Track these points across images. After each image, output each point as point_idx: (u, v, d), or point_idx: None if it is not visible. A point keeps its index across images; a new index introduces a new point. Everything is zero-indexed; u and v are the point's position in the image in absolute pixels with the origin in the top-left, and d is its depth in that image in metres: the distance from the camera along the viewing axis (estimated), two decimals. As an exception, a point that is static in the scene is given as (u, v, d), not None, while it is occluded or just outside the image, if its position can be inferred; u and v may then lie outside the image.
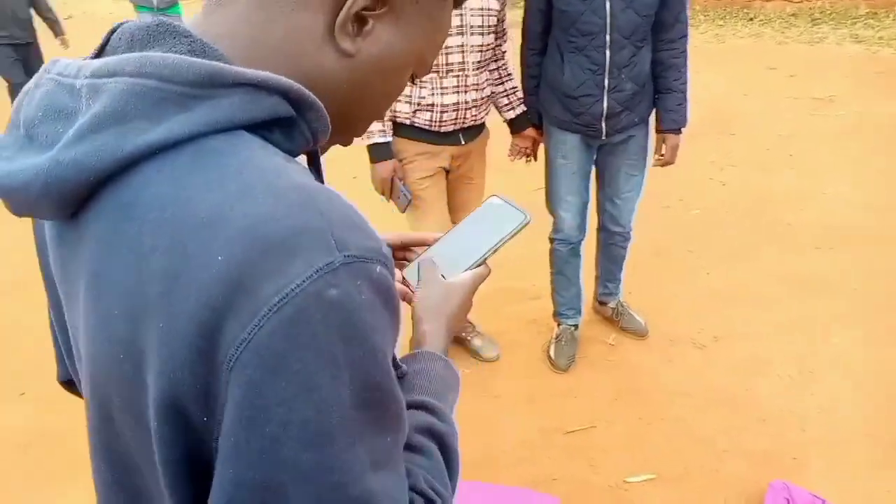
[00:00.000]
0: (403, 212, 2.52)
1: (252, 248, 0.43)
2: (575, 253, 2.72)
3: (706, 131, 4.92)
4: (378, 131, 2.36)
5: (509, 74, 2.56)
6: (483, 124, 2.53)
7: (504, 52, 2.53)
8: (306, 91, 0.51)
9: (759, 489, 2.08)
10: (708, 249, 3.46)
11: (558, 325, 2.82)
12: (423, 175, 2.45)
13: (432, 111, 2.35)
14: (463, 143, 2.46)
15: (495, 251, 0.83)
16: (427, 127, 2.38)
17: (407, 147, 2.42)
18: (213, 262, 0.43)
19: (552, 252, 2.74)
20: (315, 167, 0.65)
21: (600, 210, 2.76)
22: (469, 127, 2.44)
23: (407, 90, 2.33)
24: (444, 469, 0.65)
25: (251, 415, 0.43)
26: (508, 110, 2.59)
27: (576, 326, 2.82)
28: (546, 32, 2.43)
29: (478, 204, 2.25)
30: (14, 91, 5.47)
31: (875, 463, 2.19)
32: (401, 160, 2.44)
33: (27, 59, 5.30)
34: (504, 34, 2.50)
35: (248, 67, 0.50)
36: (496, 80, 2.53)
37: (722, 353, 2.74)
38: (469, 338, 2.85)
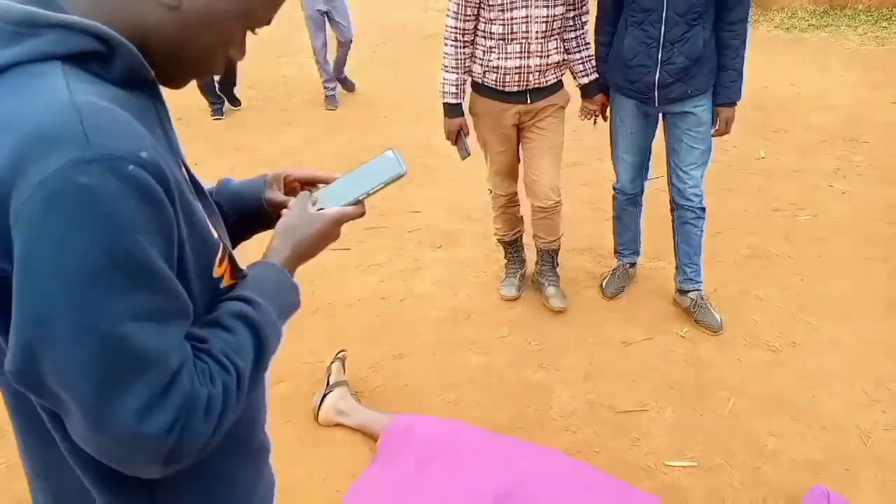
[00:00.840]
0: (463, 159, 2.93)
1: (25, 144, 0.61)
2: (632, 202, 3.03)
3: (837, 138, 4.65)
4: (451, 93, 2.74)
5: (587, 44, 2.79)
6: (555, 86, 2.79)
7: (584, 22, 2.76)
8: (111, 32, 0.68)
9: (799, 492, 2.07)
10: (809, 257, 3.33)
11: (617, 261, 3.18)
12: (494, 129, 2.83)
13: (497, 73, 2.68)
14: (529, 101, 2.75)
15: (369, 195, 0.98)
16: (494, 86, 2.73)
17: (478, 102, 2.82)
18: (4, 152, 0.61)
19: (614, 199, 3.07)
20: (158, 100, 0.78)
21: (670, 186, 2.87)
22: (535, 88, 2.72)
23: (480, 53, 2.69)
24: (251, 350, 0.78)
25: (25, 266, 0.61)
26: (582, 76, 2.84)
27: (632, 265, 3.18)
28: (617, 7, 2.65)
29: (549, 159, 2.43)
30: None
31: (934, 489, 2.11)
32: (474, 115, 2.84)
33: None
34: (583, 6, 2.71)
35: (83, 16, 0.68)
36: (574, 48, 2.77)
37: (796, 360, 2.67)
38: (545, 284, 3.11)
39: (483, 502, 1.87)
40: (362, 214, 0.99)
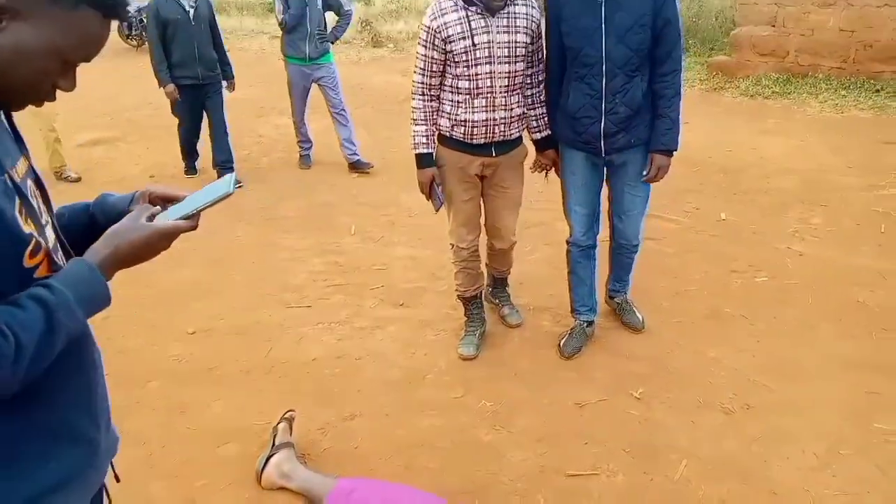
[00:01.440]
0: (437, 211, 3.02)
1: None
2: (586, 256, 3.12)
3: (796, 200, 4.75)
4: (422, 143, 2.88)
5: (542, 101, 2.96)
6: (516, 140, 2.95)
7: (540, 81, 2.94)
8: None
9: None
10: (764, 318, 3.36)
11: (574, 320, 3.21)
12: (459, 180, 2.96)
13: (465, 126, 2.83)
14: (494, 154, 2.92)
15: (199, 211, 1.09)
16: (461, 139, 2.87)
17: (446, 154, 2.94)
18: None
19: (567, 253, 3.16)
20: (7, 118, 1.02)
21: (611, 225, 3.14)
22: (500, 141, 2.89)
23: (448, 108, 2.84)
24: (40, 326, 0.91)
25: None
26: (536, 132, 3.02)
27: (588, 323, 3.20)
28: (562, 66, 2.82)
29: (510, 211, 2.54)
30: (181, 133, 5.57)
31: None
32: (440, 166, 2.94)
33: (203, 100, 5.35)
34: (539, 64, 2.88)
35: None
36: (529, 104, 2.96)
37: (749, 422, 2.66)
38: (500, 305, 3.42)
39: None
40: (193, 228, 1.10)
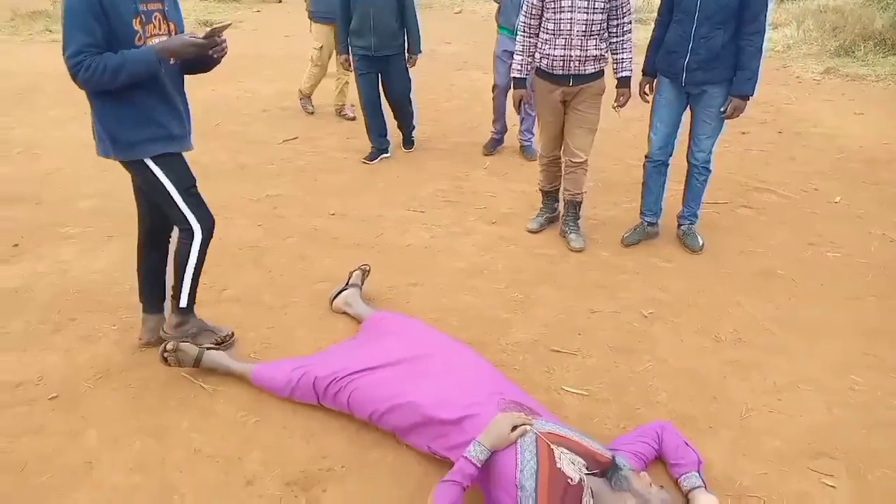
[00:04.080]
0: (520, 122, 4.38)
1: None
2: (659, 171, 3.88)
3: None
4: (518, 70, 3.76)
5: (625, 49, 3.65)
6: (591, 75, 3.66)
7: (626, 31, 3.62)
8: None
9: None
10: (812, 283, 3.53)
11: (640, 219, 4.03)
12: (545, 102, 3.80)
13: (548, 59, 3.65)
14: (570, 84, 3.67)
15: (213, 31, 2.24)
16: (546, 69, 3.68)
17: (536, 81, 3.82)
18: None
19: (644, 167, 3.93)
20: None
21: (688, 150, 3.80)
22: (576, 74, 3.62)
23: (539, 44, 3.66)
24: (116, 62, 2.26)
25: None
26: (618, 72, 3.72)
27: (650, 224, 4.02)
28: (669, 11, 3.57)
29: (582, 131, 3.80)
30: (364, 106, 5.26)
31: None
32: (533, 90, 3.89)
33: (386, 73, 5.13)
34: (625, 17, 3.56)
35: None
36: (613, 50, 3.67)
37: (732, 350, 3.00)
38: (567, 231, 4.02)
39: (384, 359, 2.59)
40: (208, 46, 2.39)
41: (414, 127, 5.69)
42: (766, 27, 3.45)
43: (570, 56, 3.58)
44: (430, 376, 2.47)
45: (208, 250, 2.75)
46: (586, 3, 3.46)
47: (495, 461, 2.10)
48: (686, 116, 3.75)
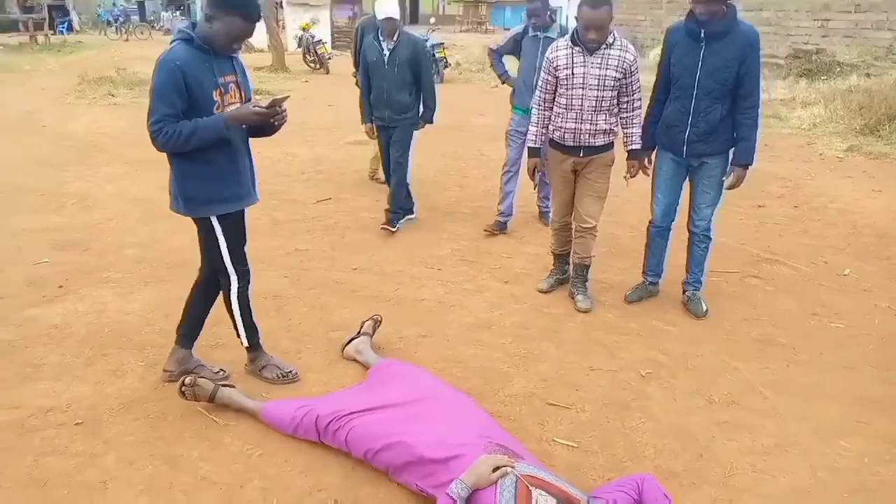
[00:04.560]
0: (535, 188, 4.68)
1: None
2: (661, 235, 4.12)
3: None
4: (532, 140, 4.07)
5: (635, 123, 3.91)
6: (602, 147, 3.92)
7: (635, 107, 3.89)
8: (191, 33, 2.70)
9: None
10: (811, 352, 3.61)
11: (643, 278, 4.27)
12: (556, 171, 4.08)
13: (560, 131, 3.92)
14: (581, 155, 3.94)
15: (273, 103, 2.60)
16: (558, 141, 3.96)
17: (549, 151, 4.09)
18: None
19: (648, 231, 4.19)
20: (229, 58, 2.86)
21: (688, 219, 4.01)
22: (587, 146, 3.90)
23: (553, 117, 3.94)
24: (190, 129, 2.66)
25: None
26: (628, 145, 3.99)
27: (652, 283, 4.27)
28: (666, 89, 3.81)
29: (591, 199, 4.06)
30: (384, 170, 5.59)
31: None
32: (546, 159, 4.15)
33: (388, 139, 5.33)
34: (634, 94, 3.80)
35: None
36: (624, 125, 3.94)
37: (723, 412, 3.09)
38: (575, 293, 4.20)
39: (383, 401, 2.76)
40: (272, 115, 2.74)
41: (403, 210, 5.51)
42: (761, 100, 3.68)
43: (581, 129, 3.84)
44: (424, 419, 2.63)
45: (247, 297, 3.15)
46: (597, 80, 3.73)
47: (476, 499, 2.23)
48: (686, 186, 3.95)
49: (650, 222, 4.13)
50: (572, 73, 3.75)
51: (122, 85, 12.75)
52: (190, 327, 3.23)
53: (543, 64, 3.91)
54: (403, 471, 2.51)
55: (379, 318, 3.66)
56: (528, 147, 4.11)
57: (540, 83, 3.95)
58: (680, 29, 3.70)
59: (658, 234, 4.12)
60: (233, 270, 3.06)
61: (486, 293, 4.34)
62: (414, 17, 42.57)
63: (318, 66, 17.44)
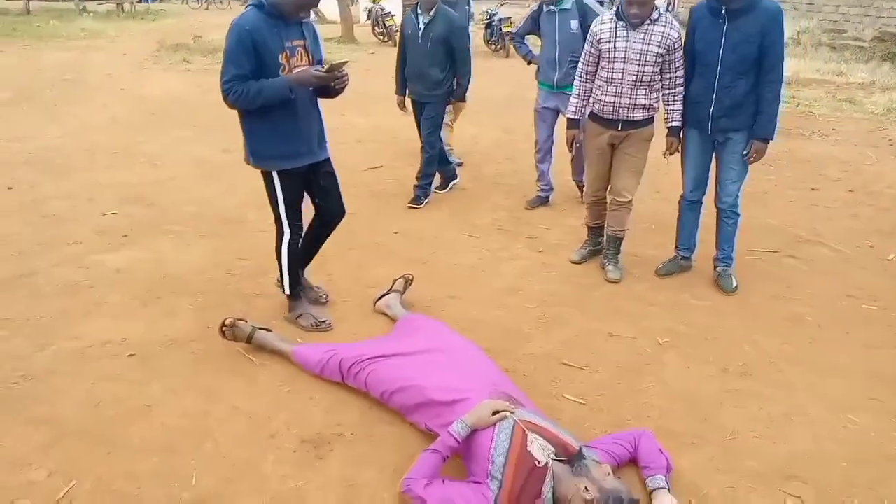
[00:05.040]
0: (572, 159, 4.80)
1: None
2: (692, 208, 4.16)
3: None
4: (572, 111, 4.13)
5: (676, 99, 3.89)
6: (640, 122, 3.96)
7: (677, 84, 3.87)
8: (263, 1, 2.98)
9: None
10: (837, 331, 3.60)
11: (675, 252, 4.32)
12: (593, 143, 4.13)
13: (599, 103, 3.99)
14: (619, 129, 3.98)
15: (332, 67, 2.75)
16: (597, 113, 4.02)
17: (588, 122, 4.13)
18: None
19: (679, 205, 4.22)
20: (298, 24, 3.10)
21: (715, 195, 4.03)
22: (625, 120, 3.93)
23: (594, 89, 4.00)
24: (258, 88, 2.94)
25: None
26: (669, 121, 3.98)
27: (684, 258, 4.29)
28: (693, 65, 3.83)
29: (628, 173, 4.11)
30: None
31: None
32: (584, 130, 4.18)
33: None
34: (677, 70, 3.82)
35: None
36: (665, 101, 3.95)
37: (736, 382, 3.15)
38: (607, 263, 4.29)
39: (403, 349, 2.96)
40: (329, 78, 3.00)
41: (430, 185, 5.57)
42: (784, 75, 3.68)
43: (620, 103, 3.88)
44: (437, 366, 2.82)
45: (298, 250, 3.47)
46: (638, 55, 3.77)
47: (474, 438, 2.41)
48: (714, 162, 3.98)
49: (681, 196, 4.17)
50: (614, 47, 3.80)
51: (198, 52, 13.31)
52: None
53: (588, 36, 3.96)
54: (414, 412, 2.71)
55: (410, 277, 3.85)
56: (568, 118, 4.18)
57: (583, 55, 4.00)
58: (702, 7, 3.72)
59: (689, 208, 4.16)
60: (287, 223, 3.35)
61: (518, 261, 4.48)
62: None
63: (386, 38, 17.62)
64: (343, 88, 3.14)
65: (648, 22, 3.73)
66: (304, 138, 3.23)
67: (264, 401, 2.90)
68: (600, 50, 3.87)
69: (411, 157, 6.95)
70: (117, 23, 20.42)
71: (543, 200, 5.56)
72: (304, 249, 3.58)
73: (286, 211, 3.33)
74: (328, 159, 3.44)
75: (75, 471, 2.44)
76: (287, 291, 3.54)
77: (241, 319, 3.26)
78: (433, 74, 5.14)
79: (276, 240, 3.43)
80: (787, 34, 3.73)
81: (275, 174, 3.23)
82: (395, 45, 17.15)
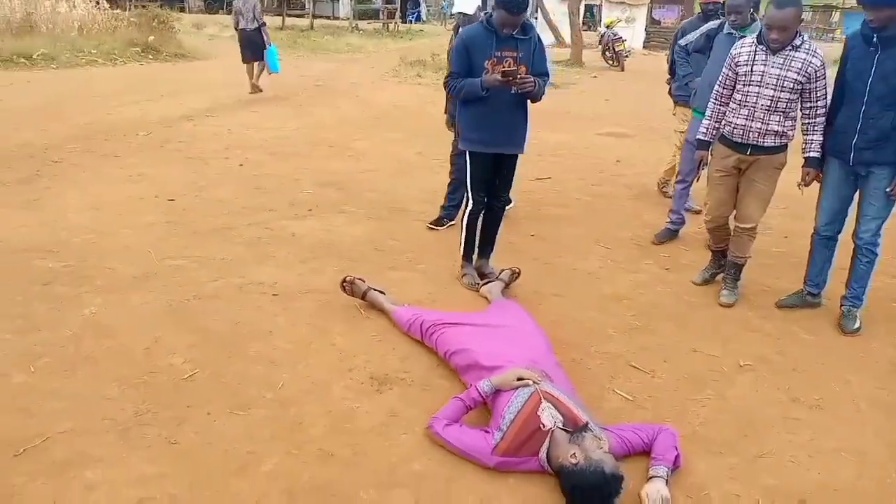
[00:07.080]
0: (696, 181, 4.66)
1: None
2: (825, 245, 4.01)
3: None
4: (703, 133, 4.14)
5: (816, 130, 3.83)
6: (771, 149, 3.90)
7: (818, 114, 3.81)
8: (489, 18, 3.80)
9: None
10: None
11: (803, 287, 4.17)
12: (719, 165, 4.12)
13: (730, 126, 3.98)
14: (748, 154, 3.95)
15: (510, 72, 3.69)
16: (727, 135, 4.02)
17: (717, 144, 4.13)
18: None
19: (811, 238, 4.08)
20: (523, 31, 3.80)
21: (855, 227, 3.86)
22: (754, 145, 3.90)
23: (727, 111, 4.00)
24: (464, 86, 3.82)
25: None
26: (806, 151, 3.90)
27: (811, 293, 4.15)
28: (842, 95, 3.74)
29: (754, 200, 4.14)
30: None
31: None
32: (712, 151, 4.16)
33: None
34: (819, 100, 3.79)
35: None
36: (804, 131, 3.89)
37: (776, 389, 3.10)
38: (723, 287, 4.28)
39: (473, 321, 3.39)
40: (504, 82, 3.67)
41: (455, 208, 5.27)
42: None
43: (751, 127, 3.86)
44: (492, 337, 3.23)
45: (479, 221, 4.23)
46: (775, 80, 3.74)
47: (498, 396, 2.79)
48: (856, 195, 3.80)
49: (814, 230, 4.03)
50: (751, 70, 3.80)
51: (431, 68, 14.73)
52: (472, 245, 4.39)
53: (726, 60, 3.97)
54: (466, 371, 3.14)
55: (517, 270, 4.25)
56: (698, 139, 4.19)
57: (720, 78, 4.00)
58: (857, 35, 3.61)
59: (821, 243, 4.01)
60: (471, 196, 4.13)
61: (638, 274, 4.63)
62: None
63: (614, 62, 17.85)
64: (529, 92, 3.78)
65: (790, 48, 3.71)
66: (496, 131, 3.92)
67: (356, 343, 3.52)
68: (737, 73, 3.87)
69: (585, 172, 7.28)
70: (378, 40, 23.13)
71: (673, 234, 5.32)
72: (481, 232, 4.31)
73: (472, 185, 4.08)
74: (516, 155, 4.09)
75: (202, 364, 3.25)
76: (461, 253, 4.33)
77: (359, 279, 3.93)
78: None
79: (462, 208, 4.33)
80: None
81: (467, 154, 4.01)
82: (621, 70, 17.49)
